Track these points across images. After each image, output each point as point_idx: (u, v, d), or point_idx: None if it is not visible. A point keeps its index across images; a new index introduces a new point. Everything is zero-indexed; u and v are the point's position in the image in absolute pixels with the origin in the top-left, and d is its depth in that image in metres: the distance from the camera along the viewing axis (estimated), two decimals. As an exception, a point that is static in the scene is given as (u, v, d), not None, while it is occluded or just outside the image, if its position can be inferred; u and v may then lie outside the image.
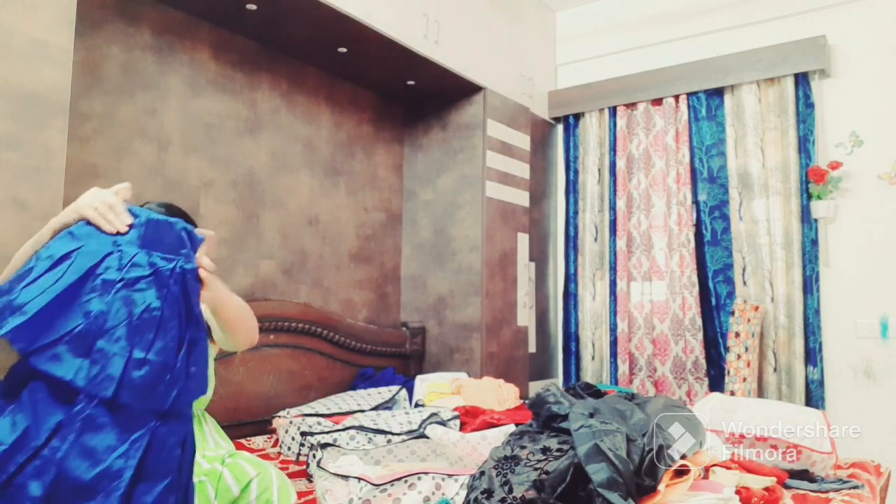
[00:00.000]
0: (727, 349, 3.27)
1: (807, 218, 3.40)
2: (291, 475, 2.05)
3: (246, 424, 2.67)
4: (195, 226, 1.30)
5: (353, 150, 3.47)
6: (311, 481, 2.00)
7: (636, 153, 3.97)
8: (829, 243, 3.39)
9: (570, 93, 4.19)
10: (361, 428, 2.23)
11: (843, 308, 3.33)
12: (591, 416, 1.37)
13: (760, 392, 3.42)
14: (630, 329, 3.89)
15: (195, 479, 1.30)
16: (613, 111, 4.05)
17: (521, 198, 3.80)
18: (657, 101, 3.94)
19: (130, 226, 1.18)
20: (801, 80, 3.45)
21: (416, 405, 2.86)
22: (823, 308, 3.38)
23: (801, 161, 3.42)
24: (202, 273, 1.22)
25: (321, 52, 3.06)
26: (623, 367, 3.85)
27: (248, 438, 2.58)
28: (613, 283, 3.94)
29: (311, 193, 3.20)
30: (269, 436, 2.63)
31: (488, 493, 1.28)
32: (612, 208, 3.99)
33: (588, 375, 3.99)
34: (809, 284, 3.38)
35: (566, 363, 4.10)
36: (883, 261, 3.25)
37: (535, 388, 3.85)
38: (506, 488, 1.25)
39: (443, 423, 2.37)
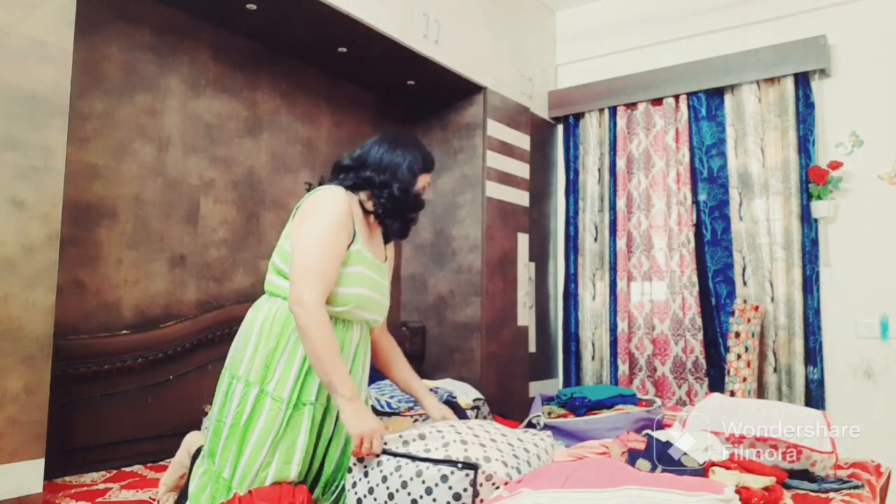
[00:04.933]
0: (727, 349, 3.27)
1: (807, 218, 3.40)
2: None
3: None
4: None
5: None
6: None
7: (636, 153, 3.97)
8: (829, 243, 3.39)
9: (570, 93, 4.19)
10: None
11: (843, 308, 3.32)
12: None
13: (760, 392, 3.42)
14: (630, 329, 3.89)
15: None
16: (613, 111, 4.05)
17: (521, 198, 3.79)
18: (657, 101, 3.93)
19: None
20: (801, 80, 3.45)
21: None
22: (823, 308, 3.38)
23: (801, 161, 3.42)
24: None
25: (321, 52, 3.06)
26: (623, 367, 3.85)
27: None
28: (613, 283, 3.94)
29: (310, 193, 3.20)
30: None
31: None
32: (612, 208, 3.99)
33: (588, 375, 3.99)
34: (809, 284, 3.37)
35: (566, 363, 4.10)
36: (883, 261, 3.25)
37: (535, 388, 3.85)
38: None
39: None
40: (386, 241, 1.88)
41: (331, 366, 1.54)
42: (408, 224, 1.89)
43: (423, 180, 1.88)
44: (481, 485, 1.47)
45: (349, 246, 1.67)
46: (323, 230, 1.61)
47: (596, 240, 4.06)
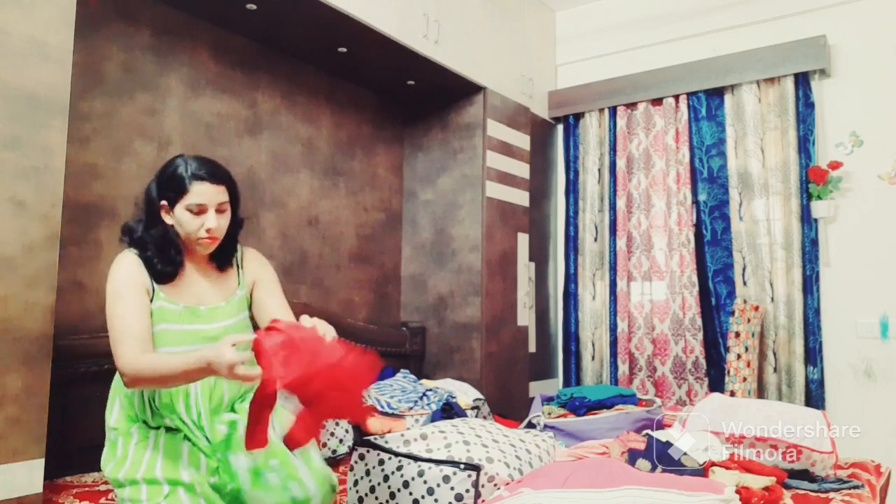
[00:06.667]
0: (727, 349, 3.27)
1: (807, 218, 3.40)
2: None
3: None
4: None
5: (353, 150, 3.47)
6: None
7: (636, 153, 3.97)
8: (829, 243, 3.39)
9: (570, 93, 4.19)
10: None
11: (843, 308, 3.33)
12: None
13: (760, 392, 3.42)
14: (630, 329, 3.89)
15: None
16: (613, 111, 4.05)
17: (521, 198, 3.79)
18: (657, 101, 3.93)
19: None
20: (801, 80, 3.45)
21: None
22: (823, 308, 3.38)
23: (801, 161, 3.42)
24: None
25: (321, 52, 3.06)
26: (623, 367, 3.85)
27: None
28: (613, 283, 3.94)
29: (311, 193, 3.20)
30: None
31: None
32: (612, 208, 3.99)
33: (588, 375, 3.99)
34: (809, 284, 3.37)
35: (566, 363, 4.10)
36: (883, 261, 3.25)
37: (535, 388, 3.85)
38: None
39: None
40: (160, 281, 1.62)
41: (178, 371, 1.43)
42: (162, 259, 1.60)
43: (179, 208, 1.57)
44: (483, 486, 1.47)
45: (151, 304, 1.58)
46: (109, 299, 1.54)
47: (596, 240, 4.06)
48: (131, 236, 1.62)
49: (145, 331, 1.54)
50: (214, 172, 1.61)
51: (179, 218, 1.58)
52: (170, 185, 1.58)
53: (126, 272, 1.57)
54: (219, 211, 1.61)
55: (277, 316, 1.65)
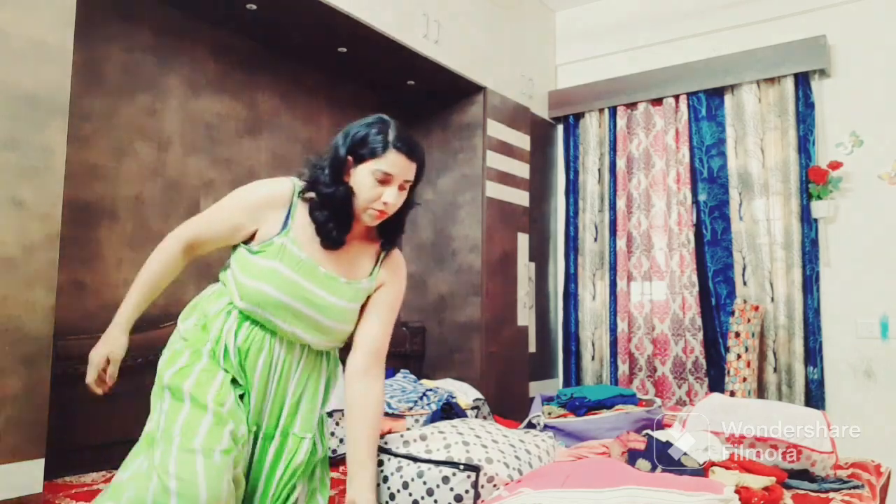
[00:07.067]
0: (727, 349, 3.27)
1: (807, 218, 3.40)
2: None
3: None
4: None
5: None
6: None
7: (636, 153, 3.97)
8: (829, 243, 3.39)
9: (570, 93, 4.19)
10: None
11: (843, 308, 3.33)
12: None
13: (760, 392, 3.42)
14: (630, 329, 3.89)
15: None
16: (613, 111, 4.05)
17: (521, 198, 3.79)
18: (657, 101, 3.93)
19: None
20: (801, 80, 3.45)
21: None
22: (823, 308, 3.38)
23: (801, 161, 3.42)
24: None
25: (321, 52, 3.06)
26: (623, 367, 3.85)
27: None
28: (613, 283, 3.94)
29: (310, 193, 3.20)
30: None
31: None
32: (612, 208, 3.99)
33: (588, 375, 3.99)
34: (809, 284, 3.37)
35: (566, 363, 4.10)
36: (883, 261, 3.25)
37: (535, 388, 3.85)
38: None
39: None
40: (325, 245, 1.50)
41: (134, 285, 1.56)
42: (337, 223, 1.48)
43: (364, 169, 1.47)
44: (483, 486, 1.47)
45: (274, 237, 1.48)
46: (227, 197, 1.55)
47: (596, 240, 4.06)
48: (316, 182, 1.49)
49: (205, 241, 1.56)
50: (414, 148, 1.54)
51: (360, 180, 1.47)
52: (364, 143, 1.48)
53: (263, 198, 1.50)
54: (401, 187, 1.52)
55: (370, 333, 1.58)
